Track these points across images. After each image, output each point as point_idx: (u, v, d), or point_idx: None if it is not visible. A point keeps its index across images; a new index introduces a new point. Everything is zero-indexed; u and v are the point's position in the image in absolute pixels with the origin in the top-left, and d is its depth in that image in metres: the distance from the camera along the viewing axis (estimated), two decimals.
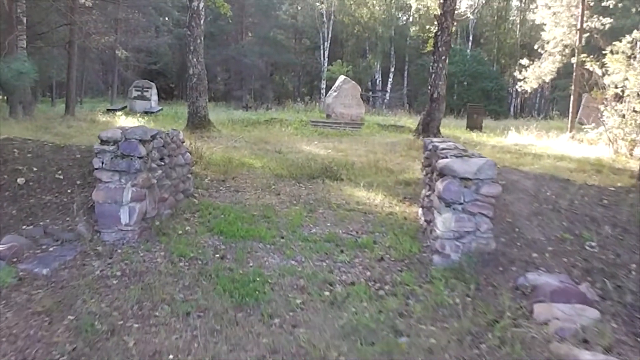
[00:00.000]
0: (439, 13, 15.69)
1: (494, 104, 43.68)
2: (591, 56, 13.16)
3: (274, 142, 14.59)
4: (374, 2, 49.03)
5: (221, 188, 8.43)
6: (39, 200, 6.33)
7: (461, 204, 5.15)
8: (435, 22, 16.03)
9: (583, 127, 13.75)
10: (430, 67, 16.07)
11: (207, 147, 12.81)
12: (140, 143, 5.66)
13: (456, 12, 16.14)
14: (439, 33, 15.58)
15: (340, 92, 22.38)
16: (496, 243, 5.23)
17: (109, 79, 40.38)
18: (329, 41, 49.66)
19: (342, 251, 5.77)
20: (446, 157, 5.46)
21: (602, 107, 12.77)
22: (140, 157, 5.61)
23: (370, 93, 47.66)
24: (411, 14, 54.48)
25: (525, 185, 6.47)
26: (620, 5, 18.29)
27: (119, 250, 5.47)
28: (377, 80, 50.43)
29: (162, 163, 6.16)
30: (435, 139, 6.83)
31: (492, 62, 52.35)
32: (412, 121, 22.96)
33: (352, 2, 50.35)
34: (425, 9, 52.14)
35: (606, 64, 13.07)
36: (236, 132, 17.18)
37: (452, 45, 50.61)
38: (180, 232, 6.00)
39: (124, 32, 35.75)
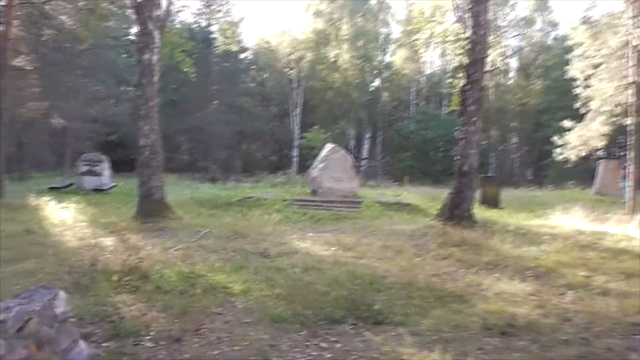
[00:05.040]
0: (467, 62, 12.23)
1: None
2: None
3: (254, 237, 10.64)
4: (347, 66, 46.65)
5: None
6: None
7: None
8: (463, 74, 12.56)
9: None
10: (458, 132, 12.50)
11: (159, 249, 8.86)
12: None
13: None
14: (467, 88, 12.10)
15: (328, 163, 18.68)
16: None
17: (63, 150, 36.35)
18: (299, 107, 46.84)
19: None
20: None
21: None
22: None
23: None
24: (383, 78, 52.45)
25: None
26: None
27: None
28: (353, 148, 47.36)
29: None
30: None
31: None
32: (414, 197, 19.45)
33: (323, 67, 47.89)
34: (396, 74, 50.65)
35: None
36: (202, 220, 13.23)
37: (424, 109, 48.90)
38: None
39: (79, 101, 32.12)
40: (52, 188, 22.63)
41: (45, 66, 23.78)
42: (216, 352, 4.65)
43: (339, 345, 4.88)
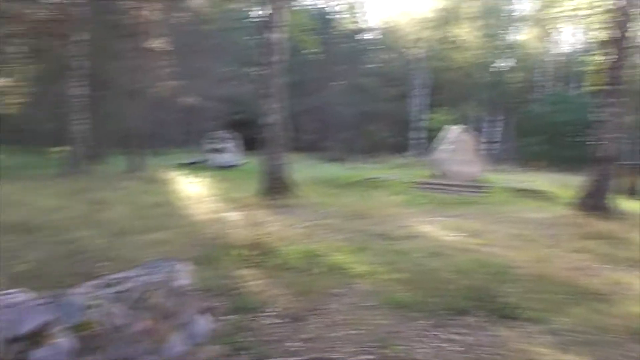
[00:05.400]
0: (607, 38, 11.16)
1: None
2: None
3: (376, 218, 10.47)
4: (471, 45, 44.87)
5: (291, 344, 4.29)
6: None
7: None
8: (602, 51, 11.48)
9: None
10: (596, 115, 11.49)
11: (282, 226, 8.94)
12: None
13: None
14: (607, 66, 11.04)
15: (452, 145, 18.06)
16: None
17: (194, 128, 38.31)
18: (421, 88, 45.77)
19: None
20: None
21: None
22: None
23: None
24: (509, 58, 49.81)
25: None
26: None
27: None
28: (477, 131, 45.54)
29: None
30: None
31: None
32: (543, 183, 18.34)
33: (446, 46, 46.40)
34: (524, 53, 47.71)
35: None
36: (324, 199, 13.26)
37: (554, 90, 45.66)
38: None
39: (207, 81, 33.56)
40: (182, 164, 23.91)
41: (176, 48, 24.90)
42: (335, 334, 4.53)
43: (464, 337, 4.58)
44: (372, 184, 16.67)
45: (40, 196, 11.38)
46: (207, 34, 30.75)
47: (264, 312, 4.93)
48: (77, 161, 18.46)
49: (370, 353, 4.19)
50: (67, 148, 19.32)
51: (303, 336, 4.47)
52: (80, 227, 8.16)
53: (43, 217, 8.85)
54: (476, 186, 16.48)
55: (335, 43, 44.13)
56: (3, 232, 7.61)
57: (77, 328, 2.02)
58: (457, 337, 4.56)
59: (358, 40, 47.69)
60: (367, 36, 50.81)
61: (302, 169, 20.80)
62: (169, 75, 23.78)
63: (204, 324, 3.15)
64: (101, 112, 20.89)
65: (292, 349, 4.21)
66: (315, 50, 17.09)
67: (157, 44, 21.78)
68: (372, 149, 40.23)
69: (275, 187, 13.33)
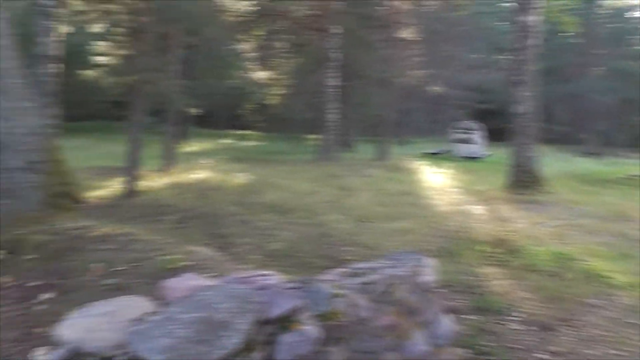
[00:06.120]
0: None
1: None
2: None
3: None
4: None
5: (539, 356, 3.92)
6: None
7: None
8: None
9: None
10: None
11: (529, 224, 8.41)
12: None
13: None
14: None
15: None
16: None
17: (439, 117, 38.37)
18: None
19: None
20: None
21: None
22: None
23: None
24: None
25: None
26: None
27: None
28: None
29: None
30: None
31: None
32: None
33: None
34: None
35: None
36: (578, 197, 12.12)
37: None
38: None
39: (455, 69, 33.24)
40: (426, 153, 24.06)
41: (425, 36, 25.00)
42: (592, 352, 4.03)
43: None
44: (637, 182, 14.82)
45: (296, 180, 12.35)
46: (457, 20, 30.30)
47: (508, 315, 4.61)
48: (329, 148, 19.69)
49: None
50: (320, 136, 20.72)
51: (552, 348, 4.06)
52: (329, 211, 8.64)
53: (297, 200, 9.58)
54: None
55: (598, 23, 40.16)
56: (263, 211, 8.40)
57: (323, 317, 2.05)
58: None
59: (626, 18, 42.73)
60: (637, 14, 45.30)
61: (553, 163, 19.40)
62: (417, 64, 24.02)
63: (447, 323, 3.00)
64: (351, 102, 21.91)
65: None
66: (574, 32, 15.60)
67: (406, 33, 22.11)
68: (636, 143, 35.96)
69: (523, 181, 12.58)
